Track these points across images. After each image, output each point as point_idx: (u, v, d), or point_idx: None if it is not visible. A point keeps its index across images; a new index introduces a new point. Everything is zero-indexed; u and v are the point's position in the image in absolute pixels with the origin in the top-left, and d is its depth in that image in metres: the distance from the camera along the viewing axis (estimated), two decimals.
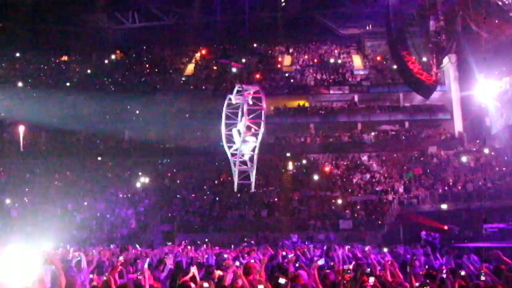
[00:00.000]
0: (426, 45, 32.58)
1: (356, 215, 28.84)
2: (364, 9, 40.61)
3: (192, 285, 6.98)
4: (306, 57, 45.33)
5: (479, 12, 26.47)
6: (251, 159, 14.82)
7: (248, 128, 14.15)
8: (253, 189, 16.34)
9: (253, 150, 14.52)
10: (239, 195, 29.38)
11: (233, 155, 14.62)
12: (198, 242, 22.55)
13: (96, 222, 28.23)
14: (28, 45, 42.55)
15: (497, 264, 8.22)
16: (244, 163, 14.89)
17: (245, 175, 15.21)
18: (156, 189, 32.37)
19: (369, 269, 7.02)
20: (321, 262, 8.65)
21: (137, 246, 22.15)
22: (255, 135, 14.13)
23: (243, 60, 43.10)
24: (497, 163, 31.33)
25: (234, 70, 41.03)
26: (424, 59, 32.71)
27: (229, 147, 14.62)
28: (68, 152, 36.74)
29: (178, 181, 33.91)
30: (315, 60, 44.40)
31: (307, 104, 39.35)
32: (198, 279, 7.51)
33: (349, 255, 13.16)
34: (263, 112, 14.29)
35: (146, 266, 7.78)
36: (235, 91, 14.37)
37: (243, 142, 14.10)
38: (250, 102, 14.40)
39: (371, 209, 29.29)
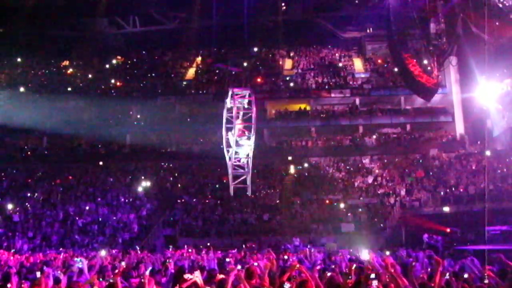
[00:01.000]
0: (427, 47, 32.54)
1: (358, 218, 28.80)
2: (364, 12, 40.62)
3: None
4: (307, 60, 45.35)
5: (479, 14, 26.45)
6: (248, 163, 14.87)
7: (242, 131, 14.26)
8: (249, 193, 16.36)
9: (248, 155, 14.56)
10: (241, 199, 29.35)
11: (231, 159, 14.68)
12: (201, 246, 22.53)
13: (98, 227, 28.21)
14: (29, 50, 42.68)
15: (501, 267, 8.19)
16: (242, 167, 14.92)
17: (242, 178, 15.24)
18: (158, 193, 32.42)
19: (373, 274, 6.97)
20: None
21: (137, 247, 22.17)
22: (250, 138, 14.22)
23: (245, 64, 43.13)
24: (499, 165, 31.25)
25: (234, 73, 41.11)
26: (425, 61, 32.68)
27: (228, 151, 14.66)
28: (70, 157, 36.84)
29: (179, 185, 33.89)
30: (316, 64, 44.40)
31: (308, 108, 39.33)
32: (201, 282, 7.47)
33: (351, 258, 13.14)
34: (253, 115, 14.39)
35: (147, 272, 7.75)
36: (229, 95, 14.49)
37: (238, 146, 14.18)
38: (246, 106, 14.54)
39: (373, 212, 29.27)
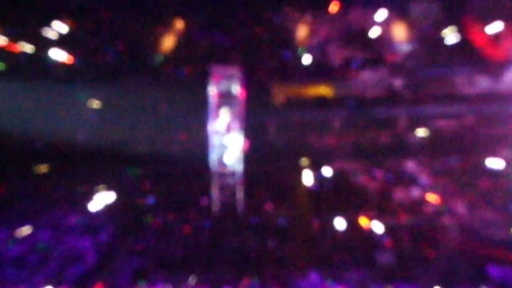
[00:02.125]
0: (495, 9, 32.84)
1: (399, 245, 29.08)
2: None
3: None
4: (328, 27, 45.59)
5: None
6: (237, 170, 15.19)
7: (225, 126, 14.56)
8: (239, 211, 16.68)
9: (238, 159, 14.91)
10: (236, 217, 29.67)
11: (215, 163, 15.00)
12: (180, 282, 22.86)
13: (38, 257, 28.41)
14: None
15: None
16: (230, 175, 15.28)
17: (231, 190, 15.60)
18: (123, 210, 32.63)
19: None
20: None
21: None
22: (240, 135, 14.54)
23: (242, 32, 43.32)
24: None
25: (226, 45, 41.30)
26: (493, 27, 32.95)
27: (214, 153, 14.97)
28: None
29: (152, 199, 34.16)
30: (341, 32, 44.62)
31: (330, 93, 39.59)
32: None
33: None
34: (241, 103, 14.71)
35: None
36: (211, 74, 14.68)
37: (222, 148, 14.52)
38: (234, 90, 14.82)
39: (420, 236, 29.53)
